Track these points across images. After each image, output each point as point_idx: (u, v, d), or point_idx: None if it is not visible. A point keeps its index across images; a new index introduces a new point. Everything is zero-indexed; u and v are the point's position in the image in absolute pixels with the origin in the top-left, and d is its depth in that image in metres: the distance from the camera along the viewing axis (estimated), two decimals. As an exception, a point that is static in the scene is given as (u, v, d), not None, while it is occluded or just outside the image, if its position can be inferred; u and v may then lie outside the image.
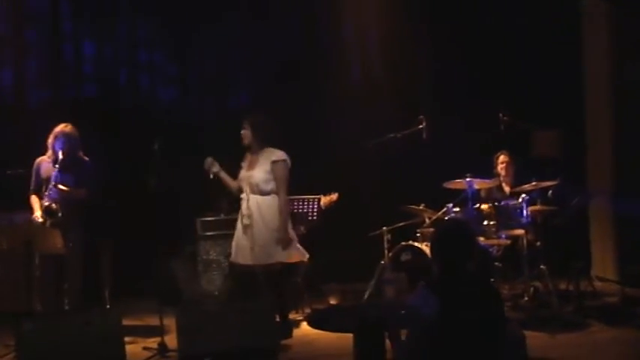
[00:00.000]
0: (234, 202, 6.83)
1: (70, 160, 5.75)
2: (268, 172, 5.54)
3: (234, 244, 5.69)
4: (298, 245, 5.67)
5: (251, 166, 5.64)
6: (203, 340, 4.99)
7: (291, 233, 5.62)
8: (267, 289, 5.40)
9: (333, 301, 6.54)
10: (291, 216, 6.12)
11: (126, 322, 5.91)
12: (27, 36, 7.76)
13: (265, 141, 5.61)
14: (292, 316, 6.09)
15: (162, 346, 5.29)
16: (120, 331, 5.05)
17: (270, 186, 5.54)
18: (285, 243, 5.48)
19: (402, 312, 3.24)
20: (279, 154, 5.56)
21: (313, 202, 6.40)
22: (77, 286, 5.77)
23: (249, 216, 5.51)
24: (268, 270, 5.47)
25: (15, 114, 7.33)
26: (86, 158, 5.94)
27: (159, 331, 5.35)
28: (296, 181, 6.28)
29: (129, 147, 6.88)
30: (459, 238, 3.43)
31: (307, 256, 5.75)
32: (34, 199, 5.80)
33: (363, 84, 8.06)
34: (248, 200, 5.54)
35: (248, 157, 5.72)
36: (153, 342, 5.43)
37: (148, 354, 5.27)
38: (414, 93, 7.74)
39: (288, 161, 5.60)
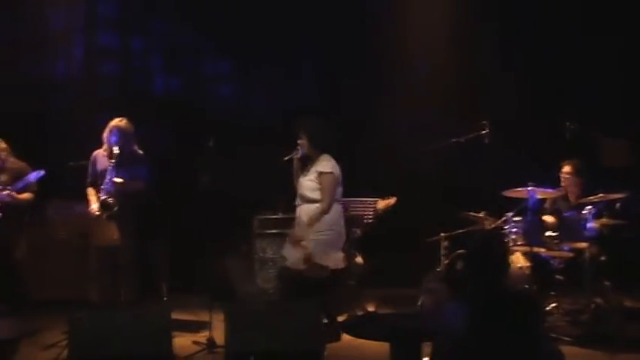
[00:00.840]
0: (291, 200, 6.88)
1: (125, 154, 5.87)
2: (314, 181, 5.49)
3: (285, 247, 5.70)
4: (341, 253, 5.61)
5: (304, 174, 5.60)
6: (250, 338, 5.01)
7: (338, 239, 5.57)
8: (316, 294, 5.35)
9: (370, 308, 6.43)
10: (347, 219, 6.11)
11: (179, 316, 6.06)
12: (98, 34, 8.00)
13: (322, 147, 5.55)
14: (341, 319, 6.02)
15: (211, 341, 5.35)
16: (169, 325, 5.10)
17: (316, 195, 5.50)
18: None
19: (433, 324, 3.15)
20: (327, 165, 5.48)
21: (370, 204, 6.33)
22: (131, 278, 5.89)
23: (298, 223, 5.53)
24: (316, 275, 5.44)
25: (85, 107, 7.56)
26: (140, 152, 6.07)
27: (209, 326, 5.40)
28: (353, 184, 6.25)
29: (184, 143, 6.97)
30: (490, 252, 3.31)
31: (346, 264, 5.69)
32: (90, 192, 5.94)
33: (427, 87, 7.91)
34: (299, 207, 5.56)
35: (300, 162, 5.65)
36: (202, 337, 5.49)
37: (196, 348, 5.34)
38: (478, 97, 7.56)
39: (336, 173, 5.51)
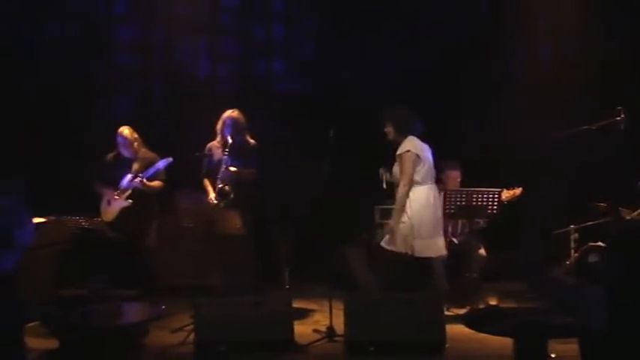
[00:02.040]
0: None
1: (238, 145, 6.01)
2: (397, 163, 5.57)
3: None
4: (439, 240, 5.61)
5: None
6: (370, 328, 4.98)
7: (435, 227, 5.55)
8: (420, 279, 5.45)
9: (493, 302, 6.21)
10: (470, 209, 5.96)
11: (300, 304, 6.11)
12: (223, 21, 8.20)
13: (407, 133, 5.59)
14: (462, 311, 5.86)
15: (331, 330, 5.34)
16: (290, 312, 5.18)
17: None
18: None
19: (567, 322, 2.96)
20: (405, 146, 5.52)
21: (494, 195, 6.11)
22: (251, 265, 6.01)
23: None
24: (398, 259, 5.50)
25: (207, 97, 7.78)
26: (253, 142, 6.17)
27: (329, 315, 5.41)
28: (476, 173, 6.08)
29: (307, 133, 7.00)
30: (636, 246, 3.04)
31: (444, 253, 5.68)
32: (207, 183, 6.12)
33: (554, 73, 7.55)
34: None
35: None
36: (323, 325, 5.51)
37: (316, 337, 5.35)
38: (610, 83, 7.13)
39: (413, 151, 5.50)
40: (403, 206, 5.46)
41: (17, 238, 4.35)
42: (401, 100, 7.11)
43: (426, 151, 5.60)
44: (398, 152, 5.55)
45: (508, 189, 6.25)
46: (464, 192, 6.06)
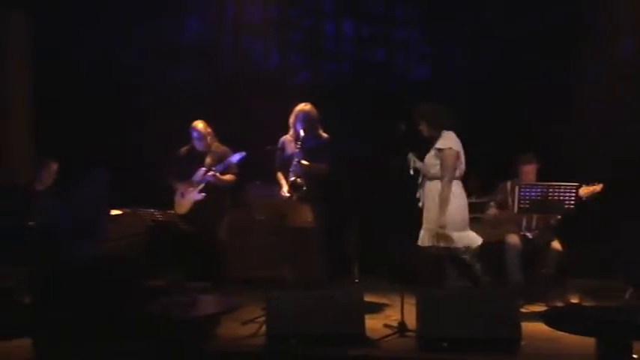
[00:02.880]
0: (485, 185, 6.65)
1: (311, 138, 6.02)
2: (434, 156, 5.60)
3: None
4: (469, 231, 5.64)
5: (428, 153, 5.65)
6: (443, 324, 4.92)
7: (462, 219, 5.59)
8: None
9: (573, 299, 6.03)
10: (546, 203, 5.81)
11: (371, 298, 6.08)
12: (291, 16, 8.22)
13: (441, 128, 5.61)
14: (537, 308, 5.78)
15: (402, 325, 5.30)
16: (361, 307, 5.16)
17: (434, 170, 5.60)
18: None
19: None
20: (446, 142, 5.59)
21: (570, 189, 5.94)
22: (323, 259, 6.02)
23: (424, 201, 5.62)
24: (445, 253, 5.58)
25: (279, 92, 7.81)
26: (325, 135, 6.17)
27: (401, 310, 5.37)
28: (552, 167, 5.91)
29: (377, 127, 6.95)
30: None
31: (480, 241, 5.64)
32: (280, 176, 6.15)
33: (636, 62, 7.27)
34: (423, 185, 5.60)
35: None
36: (394, 320, 5.47)
37: (387, 331, 5.32)
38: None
39: (455, 148, 5.57)
40: (447, 202, 5.49)
41: (100, 228, 4.44)
42: (473, 95, 7.09)
43: (461, 147, 5.66)
44: (439, 147, 5.59)
45: (588, 185, 6.05)
46: (539, 186, 5.90)
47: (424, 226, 5.64)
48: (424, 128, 5.68)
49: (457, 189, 5.61)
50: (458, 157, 5.60)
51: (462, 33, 7.93)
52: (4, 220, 6.01)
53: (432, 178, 5.63)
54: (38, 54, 7.94)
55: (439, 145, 5.60)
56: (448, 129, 5.63)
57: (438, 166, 5.58)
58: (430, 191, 5.63)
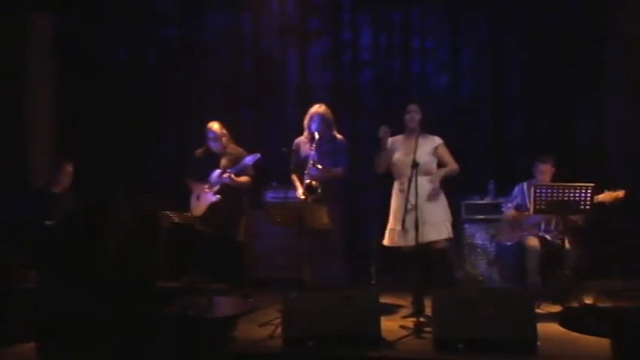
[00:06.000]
0: (501, 186, 6.66)
1: (326, 140, 6.04)
2: (430, 154, 5.74)
3: (392, 229, 5.76)
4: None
5: (410, 151, 5.58)
6: (459, 325, 4.92)
7: (447, 211, 5.79)
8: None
9: (589, 300, 6.00)
10: (561, 204, 5.78)
11: (386, 300, 6.09)
12: (311, 25, 8.26)
13: (426, 126, 5.74)
14: (554, 309, 5.75)
15: (419, 326, 5.30)
16: (377, 308, 5.16)
17: (432, 166, 5.76)
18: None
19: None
20: (437, 139, 5.83)
21: (586, 190, 5.91)
22: (339, 260, 6.02)
23: (416, 198, 5.48)
24: (435, 248, 5.66)
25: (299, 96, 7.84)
26: (340, 137, 6.18)
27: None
28: (575, 171, 5.89)
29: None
30: None
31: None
32: (295, 178, 6.18)
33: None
34: (413, 183, 5.44)
35: (399, 141, 5.83)
36: (410, 322, 5.48)
37: (404, 333, 5.32)
38: None
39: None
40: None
41: None
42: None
43: None
44: (437, 144, 5.80)
45: (610, 190, 6.01)
46: (554, 187, 5.88)
47: (414, 226, 5.48)
48: (415, 119, 5.75)
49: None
50: None
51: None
52: (23, 221, 6.11)
53: (427, 174, 5.70)
54: (61, 54, 8.03)
55: (437, 142, 5.80)
56: (426, 129, 5.78)
57: (435, 163, 5.78)
58: (423, 188, 5.61)
